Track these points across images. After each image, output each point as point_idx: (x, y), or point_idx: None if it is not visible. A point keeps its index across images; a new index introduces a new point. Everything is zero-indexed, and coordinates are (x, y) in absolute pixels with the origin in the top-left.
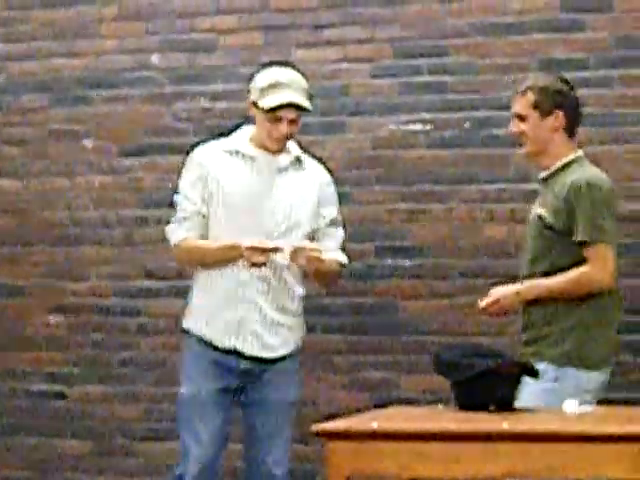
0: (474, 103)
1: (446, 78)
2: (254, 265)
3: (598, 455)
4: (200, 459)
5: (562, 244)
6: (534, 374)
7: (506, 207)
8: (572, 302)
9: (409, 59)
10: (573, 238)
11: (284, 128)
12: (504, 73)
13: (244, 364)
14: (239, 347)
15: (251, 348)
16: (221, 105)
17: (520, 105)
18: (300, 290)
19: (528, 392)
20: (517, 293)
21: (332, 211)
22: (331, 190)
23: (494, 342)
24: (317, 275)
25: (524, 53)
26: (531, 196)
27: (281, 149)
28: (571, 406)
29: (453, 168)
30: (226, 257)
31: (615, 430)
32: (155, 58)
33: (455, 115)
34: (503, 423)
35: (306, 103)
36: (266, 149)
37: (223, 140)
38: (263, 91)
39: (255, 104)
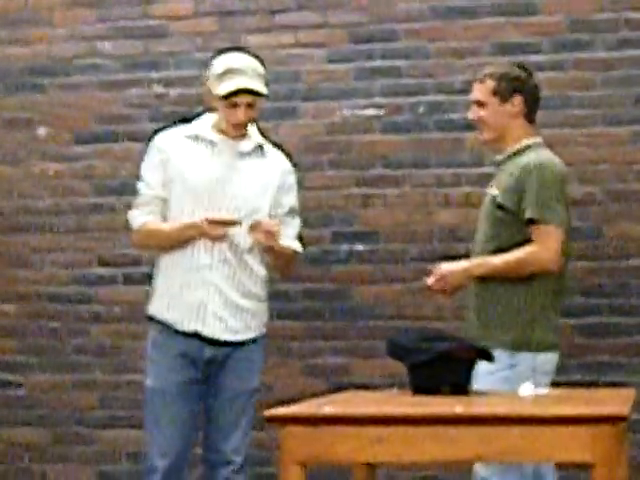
0: (428, 87)
1: (400, 63)
2: (214, 239)
3: (553, 438)
4: (168, 454)
5: (513, 225)
6: (489, 358)
7: (460, 191)
8: (519, 283)
9: (363, 44)
10: (522, 217)
11: (241, 114)
12: (458, 57)
13: (208, 351)
14: (200, 330)
15: (213, 331)
16: (175, 91)
17: (479, 92)
18: (263, 272)
19: (484, 382)
20: (464, 270)
21: (291, 200)
22: (292, 179)
23: (449, 326)
24: (274, 256)
25: (477, 37)
26: (485, 180)
27: (242, 135)
28: (526, 389)
29: (407, 153)
30: (185, 236)
31: (569, 412)
32: (107, 45)
33: (409, 100)
34: (457, 407)
35: (261, 88)
36: (227, 135)
37: (185, 126)
38: (219, 78)
39: (212, 91)
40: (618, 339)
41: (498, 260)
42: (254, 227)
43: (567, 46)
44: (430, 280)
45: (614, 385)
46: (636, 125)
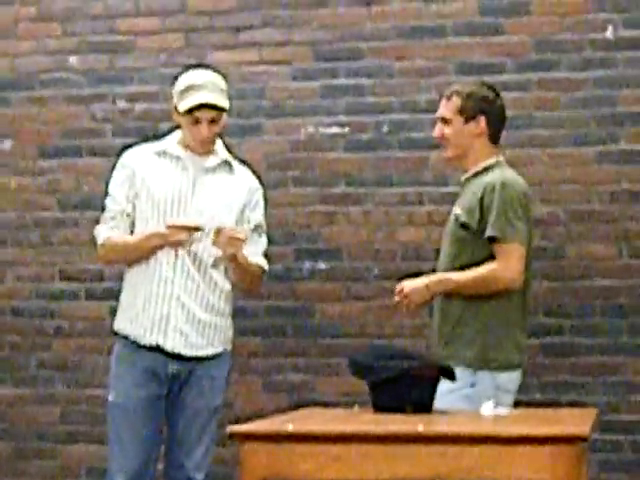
0: (392, 106)
1: (364, 81)
2: (177, 244)
3: (513, 457)
4: (128, 471)
5: (475, 243)
6: (451, 376)
7: (424, 210)
8: (482, 302)
9: (327, 62)
10: (484, 235)
11: (204, 130)
12: (422, 76)
13: (172, 367)
14: (162, 343)
15: (174, 344)
16: (140, 107)
17: (445, 109)
18: (228, 287)
19: (446, 400)
20: (424, 286)
21: (258, 217)
22: (259, 196)
23: (412, 344)
24: (238, 268)
25: (442, 57)
26: (449, 199)
27: (209, 151)
28: (487, 408)
29: (371, 171)
30: (149, 245)
31: (530, 432)
32: (73, 59)
33: (373, 118)
34: (418, 425)
35: (221, 102)
36: (194, 151)
37: (154, 143)
38: (181, 94)
39: (176, 108)
40: (580, 359)
41: (459, 277)
42: (217, 234)
43: (532, 66)
44: (395, 298)
45: (575, 405)
46: (600, 146)
